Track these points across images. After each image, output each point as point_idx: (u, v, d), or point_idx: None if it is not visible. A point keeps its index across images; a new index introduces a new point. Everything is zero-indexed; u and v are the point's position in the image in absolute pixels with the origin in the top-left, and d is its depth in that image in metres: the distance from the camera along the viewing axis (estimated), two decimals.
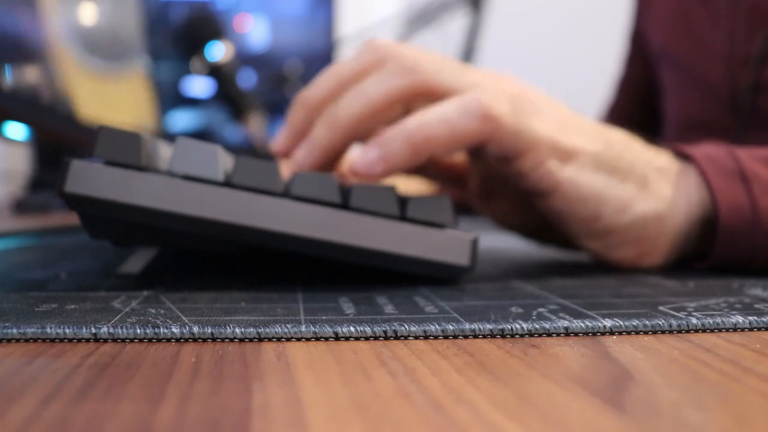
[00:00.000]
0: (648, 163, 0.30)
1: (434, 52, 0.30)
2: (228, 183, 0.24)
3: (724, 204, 0.29)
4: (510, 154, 0.28)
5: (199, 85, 1.34)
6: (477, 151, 0.31)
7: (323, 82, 0.31)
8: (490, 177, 0.34)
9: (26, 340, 0.17)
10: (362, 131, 0.29)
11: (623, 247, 0.30)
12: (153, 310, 0.20)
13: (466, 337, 0.18)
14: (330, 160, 0.29)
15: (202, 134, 1.52)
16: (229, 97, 1.17)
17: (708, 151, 0.31)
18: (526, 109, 0.28)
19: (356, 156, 0.27)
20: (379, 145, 0.27)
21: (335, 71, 0.31)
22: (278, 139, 0.32)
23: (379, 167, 0.27)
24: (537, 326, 0.19)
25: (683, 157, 0.32)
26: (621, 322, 0.19)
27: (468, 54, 1.10)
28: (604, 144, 0.30)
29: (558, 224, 0.31)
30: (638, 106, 0.68)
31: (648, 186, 0.30)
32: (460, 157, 0.38)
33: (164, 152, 0.27)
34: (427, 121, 0.27)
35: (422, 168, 0.37)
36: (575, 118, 0.30)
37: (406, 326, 0.18)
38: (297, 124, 0.31)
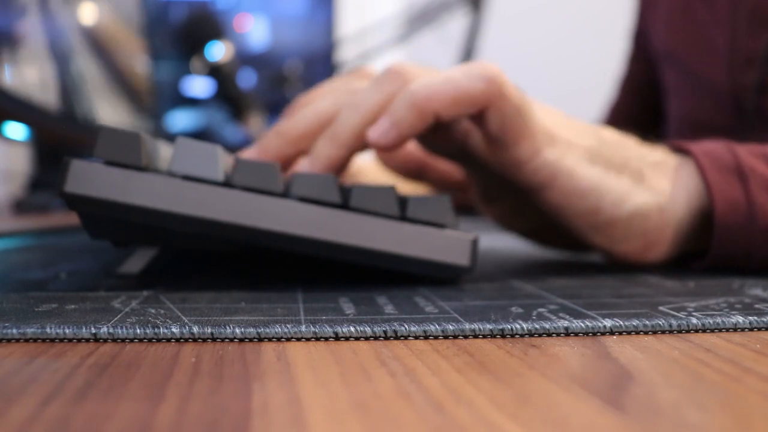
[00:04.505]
0: (642, 158, 0.31)
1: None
2: (228, 183, 0.24)
3: (719, 199, 0.29)
4: (508, 132, 0.28)
5: (199, 85, 1.34)
6: (475, 159, 0.31)
7: (303, 117, 0.31)
8: (490, 183, 0.35)
9: (26, 340, 0.17)
10: (364, 143, 0.29)
11: (628, 240, 0.31)
12: (153, 310, 0.20)
13: (466, 337, 0.18)
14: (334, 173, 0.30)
15: (202, 134, 1.52)
16: (229, 97, 1.17)
17: (706, 146, 0.31)
18: (526, 98, 0.29)
19: (370, 129, 0.28)
20: (388, 113, 0.27)
21: (315, 109, 0.31)
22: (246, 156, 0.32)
23: (391, 134, 0.27)
24: (537, 326, 0.19)
25: (681, 152, 0.32)
26: (621, 322, 0.19)
27: (468, 54, 1.10)
28: (598, 140, 0.30)
29: (559, 220, 0.31)
30: (640, 105, 0.69)
31: (644, 179, 0.30)
32: (456, 168, 0.38)
33: (164, 152, 0.27)
34: (431, 81, 0.27)
35: (423, 174, 0.38)
36: (567, 118, 0.31)
37: (406, 326, 0.18)
38: (270, 150, 0.31)
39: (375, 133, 0.27)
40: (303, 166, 0.29)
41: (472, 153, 0.31)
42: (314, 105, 0.31)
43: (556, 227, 0.33)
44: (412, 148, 0.38)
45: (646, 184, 0.30)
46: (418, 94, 0.27)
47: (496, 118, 0.28)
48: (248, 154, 0.31)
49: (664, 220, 0.30)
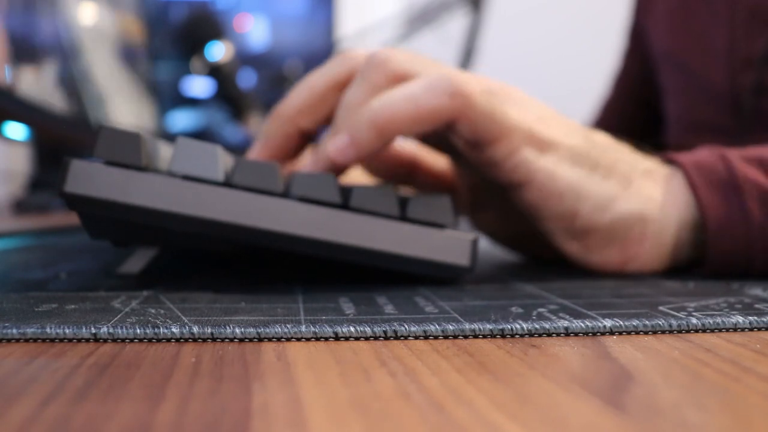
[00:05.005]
0: (632, 164, 0.29)
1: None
2: (228, 183, 0.24)
3: (712, 217, 0.28)
4: (482, 137, 0.27)
5: (199, 85, 1.34)
6: (464, 159, 0.31)
7: (297, 94, 0.31)
8: (479, 187, 0.34)
9: (26, 340, 0.17)
10: None
11: (604, 250, 0.29)
12: (153, 310, 0.20)
13: (466, 337, 0.18)
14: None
15: (202, 134, 1.52)
16: (229, 97, 1.18)
17: (698, 157, 0.30)
18: (501, 97, 0.27)
19: (328, 143, 0.27)
20: (348, 129, 0.27)
21: (308, 83, 0.31)
22: (253, 151, 0.32)
23: (350, 153, 0.27)
24: (537, 326, 0.19)
25: (673, 163, 0.31)
26: (621, 322, 0.19)
27: (468, 54, 1.10)
28: (585, 140, 0.29)
29: (534, 221, 0.30)
30: (633, 103, 0.68)
31: (632, 186, 0.29)
32: (448, 169, 0.37)
33: (164, 152, 0.27)
34: (391, 100, 0.26)
35: (412, 177, 0.37)
36: (556, 114, 0.29)
37: (406, 326, 0.18)
38: (271, 134, 0.31)
39: (334, 151, 0.27)
40: (306, 165, 0.29)
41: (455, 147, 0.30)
42: (306, 82, 0.31)
43: (543, 237, 0.32)
44: (402, 147, 0.37)
45: (634, 190, 0.29)
46: (380, 115, 0.26)
47: (465, 128, 0.27)
48: (255, 145, 0.32)
49: (645, 231, 0.29)
